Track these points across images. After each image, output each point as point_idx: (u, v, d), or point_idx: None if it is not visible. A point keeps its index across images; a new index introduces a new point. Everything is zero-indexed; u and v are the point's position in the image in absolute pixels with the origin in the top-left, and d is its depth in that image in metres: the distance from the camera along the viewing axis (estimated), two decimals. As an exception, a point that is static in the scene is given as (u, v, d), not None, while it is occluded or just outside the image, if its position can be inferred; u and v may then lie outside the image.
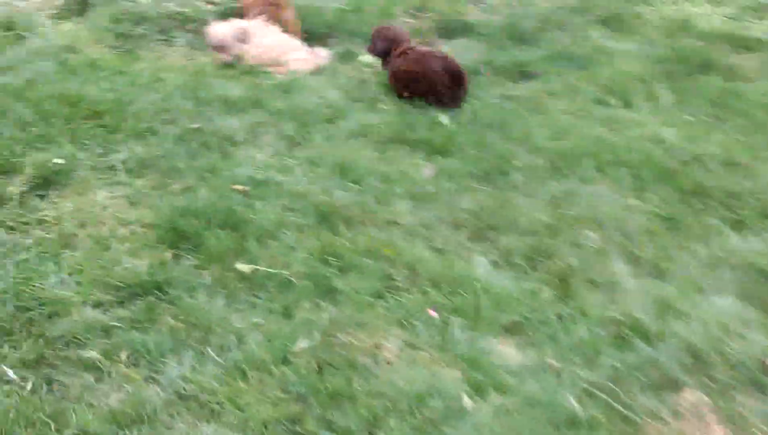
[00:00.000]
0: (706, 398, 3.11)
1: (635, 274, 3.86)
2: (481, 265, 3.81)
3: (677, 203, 4.36)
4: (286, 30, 6.03)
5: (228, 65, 5.71)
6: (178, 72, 5.59)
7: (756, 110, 5.39)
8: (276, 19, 5.99)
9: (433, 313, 3.48)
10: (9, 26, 6.06)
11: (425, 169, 4.58)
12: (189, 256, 3.75)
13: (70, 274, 3.53)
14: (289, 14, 6.13)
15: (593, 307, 3.59)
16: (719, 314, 3.55)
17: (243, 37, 5.76)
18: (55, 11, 6.47)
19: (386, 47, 5.54)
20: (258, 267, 3.69)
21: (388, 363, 3.21)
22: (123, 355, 3.11)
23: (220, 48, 5.80)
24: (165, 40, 6.21)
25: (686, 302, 3.64)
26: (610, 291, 3.73)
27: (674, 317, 3.55)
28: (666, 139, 4.91)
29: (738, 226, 4.22)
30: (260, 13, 5.98)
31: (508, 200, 4.32)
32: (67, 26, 6.26)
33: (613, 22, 6.44)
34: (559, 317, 3.53)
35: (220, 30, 5.90)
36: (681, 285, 3.76)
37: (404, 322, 3.44)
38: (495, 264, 3.88)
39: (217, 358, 3.16)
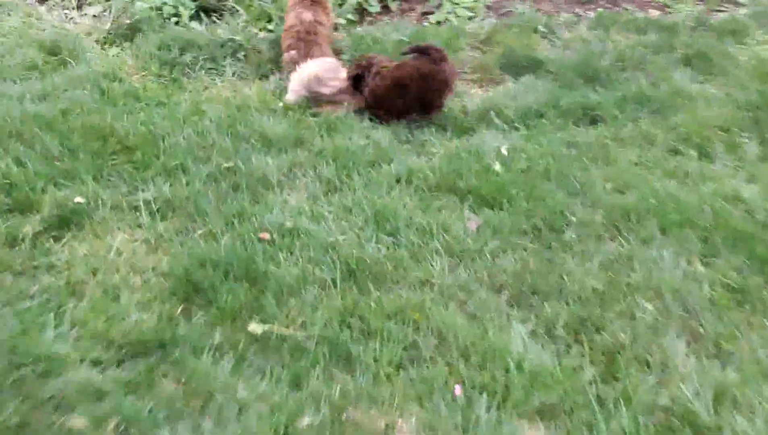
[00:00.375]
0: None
1: (694, 353, 3.62)
2: (518, 336, 3.64)
3: (750, 273, 4.09)
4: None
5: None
6: (220, 104, 5.59)
7: None
8: (309, 53, 5.93)
9: (458, 391, 3.33)
10: (54, 51, 6.18)
11: (469, 222, 4.43)
12: (201, 311, 3.70)
13: (72, 327, 3.51)
14: (326, 49, 6.08)
15: (641, 391, 3.37)
16: (789, 407, 3.29)
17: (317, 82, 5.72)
18: (103, 35, 6.57)
19: (360, 72, 5.58)
20: (272, 327, 3.60)
21: (400, 446, 3.08)
22: (111, 424, 3.04)
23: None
24: (213, 69, 6.22)
25: (750, 391, 3.39)
26: (663, 372, 3.50)
27: (734, 409, 3.31)
28: (745, 197, 4.63)
29: (820, 303, 3.94)
30: (294, 46, 5.93)
31: (557, 261, 4.13)
32: (114, 52, 6.34)
33: (699, 62, 6.17)
34: (601, 401, 3.33)
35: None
36: (746, 370, 3.50)
37: (424, 399, 3.29)
38: (534, 334, 3.69)
39: (213, 430, 3.07)
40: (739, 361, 3.56)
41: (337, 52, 6.31)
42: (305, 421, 3.12)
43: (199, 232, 4.26)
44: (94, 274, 3.89)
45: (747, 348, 3.63)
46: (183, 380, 3.31)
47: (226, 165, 4.81)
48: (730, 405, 3.32)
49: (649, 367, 3.53)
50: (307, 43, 5.93)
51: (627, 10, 7.22)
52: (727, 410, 3.29)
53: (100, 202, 4.39)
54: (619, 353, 3.58)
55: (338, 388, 3.28)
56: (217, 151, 4.94)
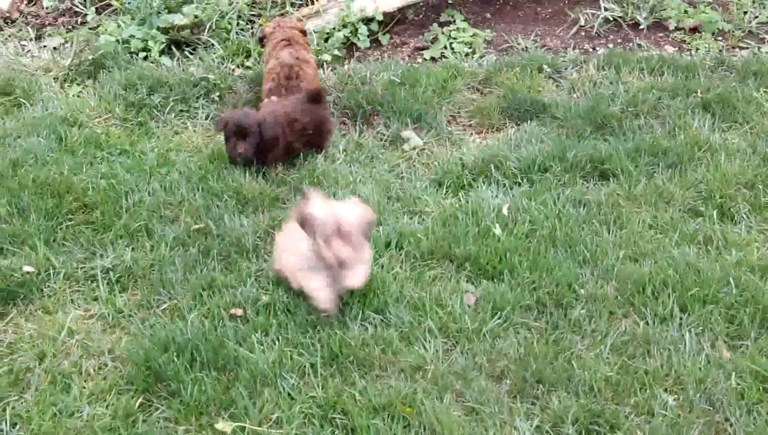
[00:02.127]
0: None
1: (721, 457, 3.47)
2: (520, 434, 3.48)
3: (783, 358, 3.95)
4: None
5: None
6: (191, 153, 5.45)
7: None
8: (295, 78, 5.80)
9: None
10: (7, 90, 6.07)
11: (467, 296, 4.27)
12: (162, 405, 3.54)
13: (13, 426, 3.34)
14: (311, 72, 5.95)
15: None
16: None
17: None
18: (63, 72, 6.43)
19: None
20: (244, 425, 3.43)
21: None
22: None
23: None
24: (184, 111, 6.08)
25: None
26: (687, 480, 3.35)
27: None
28: (774, 267, 4.50)
29: None
30: (274, 91, 5.79)
31: (565, 344, 3.98)
32: (74, 91, 6.20)
33: (719, 108, 6.03)
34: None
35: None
36: (779, 477, 3.35)
37: None
38: (540, 432, 3.55)
39: None
40: (772, 465, 3.42)
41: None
42: None
43: (163, 306, 4.12)
44: (42, 359, 3.74)
45: (781, 450, 3.48)
46: (140, 490, 3.14)
47: (195, 226, 4.68)
48: None
49: (670, 472, 3.38)
50: (288, 88, 5.78)
51: (640, 46, 7.11)
52: None
53: (51, 271, 4.26)
54: (636, 456, 3.43)
55: (317, 503, 3.12)
56: (186, 210, 4.80)
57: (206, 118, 6.01)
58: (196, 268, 4.36)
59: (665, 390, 3.75)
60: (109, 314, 4.04)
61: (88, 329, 3.94)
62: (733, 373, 3.83)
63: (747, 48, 7.13)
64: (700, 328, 4.09)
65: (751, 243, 4.71)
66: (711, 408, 3.68)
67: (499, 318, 4.12)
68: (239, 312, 4.06)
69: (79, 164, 5.13)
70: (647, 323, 4.12)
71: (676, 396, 3.73)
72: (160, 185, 5.00)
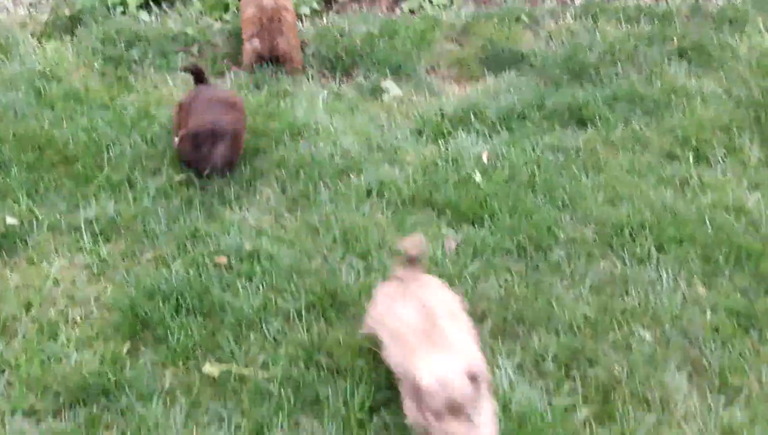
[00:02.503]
0: None
1: (697, 389, 3.54)
2: (503, 372, 3.54)
3: (756, 295, 4.01)
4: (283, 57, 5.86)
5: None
6: (171, 106, 5.42)
7: None
8: (273, 41, 5.79)
9: None
10: (-17, 46, 5.99)
11: (448, 241, 4.31)
12: (149, 350, 3.58)
13: (2, 372, 3.37)
14: (292, 40, 5.92)
15: (639, 433, 3.29)
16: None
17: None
18: (40, 27, 6.37)
19: None
20: (230, 368, 3.47)
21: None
22: (45, 489, 2.91)
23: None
24: (163, 65, 6.04)
25: (761, 432, 3.32)
26: (663, 411, 3.43)
27: (743, 454, 3.24)
28: (748, 207, 4.55)
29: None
30: (256, 35, 5.78)
31: (545, 285, 4.04)
32: (52, 46, 6.14)
33: (695, 55, 6.06)
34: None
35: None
36: (755, 407, 3.43)
37: (400, 449, 3.18)
38: (521, 369, 3.61)
39: (163, 492, 2.95)
40: (747, 397, 3.50)
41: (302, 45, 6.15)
42: (267, 481, 3.01)
43: (148, 256, 4.14)
44: (28, 308, 3.76)
45: (755, 382, 3.56)
46: (129, 432, 3.18)
47: (178, 178, 4.67)
48: (738, 450, 3.25)
49: (647, 404, 3.46)
50: (271, 31, 5.77)
51: (617, -5, 7.11)
52: (735, 455, 3.22)
53: (35, 223, 4.25)
54: (614, 389, 3.50)
55: (305, 440, 3.17)
56: (169, 161, 4.78)
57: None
58: (179, 218, 4.37)
59: (643, 326, 3.82)
60: (93, 264, 4.05)
61: (73, 279, 3.95)
62: (709, 309, 3.90)
63: (723, -4, 7.15)
64: (677, 267, 4.15)
65: (726, 184, 4.77)
66: (687, 342, 3.76)
67: (479, 262, 4.17)
68: (223, 260, 4.08)
69: (59, 118, 5.10)
70: (625, 264, 4.18)
71: (653, 332, 3.80)
72: (141, 138, 4.98)
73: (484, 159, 4.94)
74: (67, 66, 5.86)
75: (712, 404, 3.45)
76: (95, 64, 5.91)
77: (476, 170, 4.82)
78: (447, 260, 4.16)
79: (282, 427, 3.25)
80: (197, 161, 4.67)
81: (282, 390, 3.39)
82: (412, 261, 3.46)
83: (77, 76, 5.76)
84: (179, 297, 3.79)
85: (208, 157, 4.64)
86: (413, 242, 3.51)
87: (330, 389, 3.41)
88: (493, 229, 4.37)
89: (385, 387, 3.43)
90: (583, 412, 3.40)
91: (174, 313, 3.71)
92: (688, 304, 3.94)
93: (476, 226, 4.42)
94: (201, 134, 4.61)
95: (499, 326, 3.82)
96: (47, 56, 5.93)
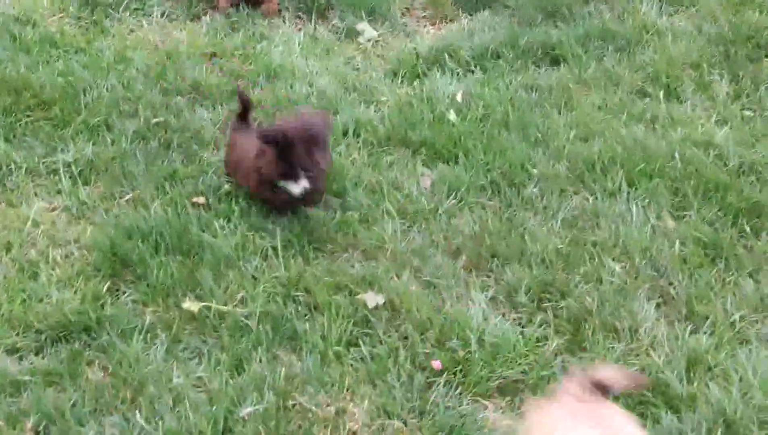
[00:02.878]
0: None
1: (665, 317, 3.60)
2: (477, 305, 3.58)
3: (724, 226, 4.06)
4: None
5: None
6: (147, 51, 5.38)
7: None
8: None
9: (438, 365, 3.30)
10: (-45, -9, 5.89)
11: (423, 179, 4.33)
12: (129, 289, 3.59)
13: (-17, 311, 3.38)
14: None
15: (610, 361, 3.34)
16: (766, 374, 3.27)
17: None
18: (14, -28, 6.27)
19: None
20: (209, 304, 3.50)
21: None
22: (29, 423, 2.93)
23: None
24: (139, 8, 5.96)
25: (725, 357, 3.38)
26: (632, 340, 3.48)
27: (709, 377, 3.30)
28: (717, 142, 4.58)
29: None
30: None
31: (518, 220, 4.07)
32: (26, -9, 6.06)
33: (667, -9, 6.07)
34: (568, 374, 3.28)
35: None
36: (720, 335, 3.49)
37: (377, 380, 3.23)
38: (494, 302, 3.66)
39: (145, 425, 2.99)
40: (713, 325, 3.55)
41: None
42: (247, 409, 3.05)
43: (126, 197, 4.14)
44: (8, 249, 3.76)
45: (721, 310, 3.61)
46: (111, 368, 3.22)
47: (155, 120, 4.65)
48: (703, 373, 3.31)
49: (617, 334, 3.50)
50: None
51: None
52: (701, 379, 3.28)
53: (13, 165, 4.24)
54: (585, 320, 3.54)
55: (283, 372, 3.21)
56: (145, 105, 4.76)
57: (161, 16, 5.89)
58: (157, 160, 4.36)
59: (613, 259, 3.86)
60: (72, 206, 4.05)
61: (52, 220, 3.95)
62: (677, 241, 3.94)
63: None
64: (647, 200, 4.19)
65: (695, 120, 4.80)
66: (656, 273, 3.80)
67: (454, 198, 4.19)
68: (201, 200, 4.08)
69: (35, 63, 5.05)
70: (596, 198, 4.22)
71: (623, 264, 3.84)
72: (118, 81, 4.94)
73: (459, 98, 4.94)
74: (42, 11, 5.77)
75: (679, 332, 3.50)
76: (70, 8, 5.81)
77: (451, 109, 4.83)
78: (423, 197, 4.17)
79: (260, 361, 3.27)
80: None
81: (260, 325, 3.41)
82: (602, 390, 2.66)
83: (52, 21, 5.68)
84: (158, 237, 3.80)
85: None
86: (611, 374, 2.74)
87: (308, 324, 3.44)
88: (468, 166, 4.39)
89: (364, 321, 3.47)
90: (554, 342, 3.45)
91: (153, 253, 3.72)
92: (657, 237, 3.99)
93: (451, 164, 4.44)
94: None
95: (473, 261, 3.85)
96: (21, 1, 5.84)
